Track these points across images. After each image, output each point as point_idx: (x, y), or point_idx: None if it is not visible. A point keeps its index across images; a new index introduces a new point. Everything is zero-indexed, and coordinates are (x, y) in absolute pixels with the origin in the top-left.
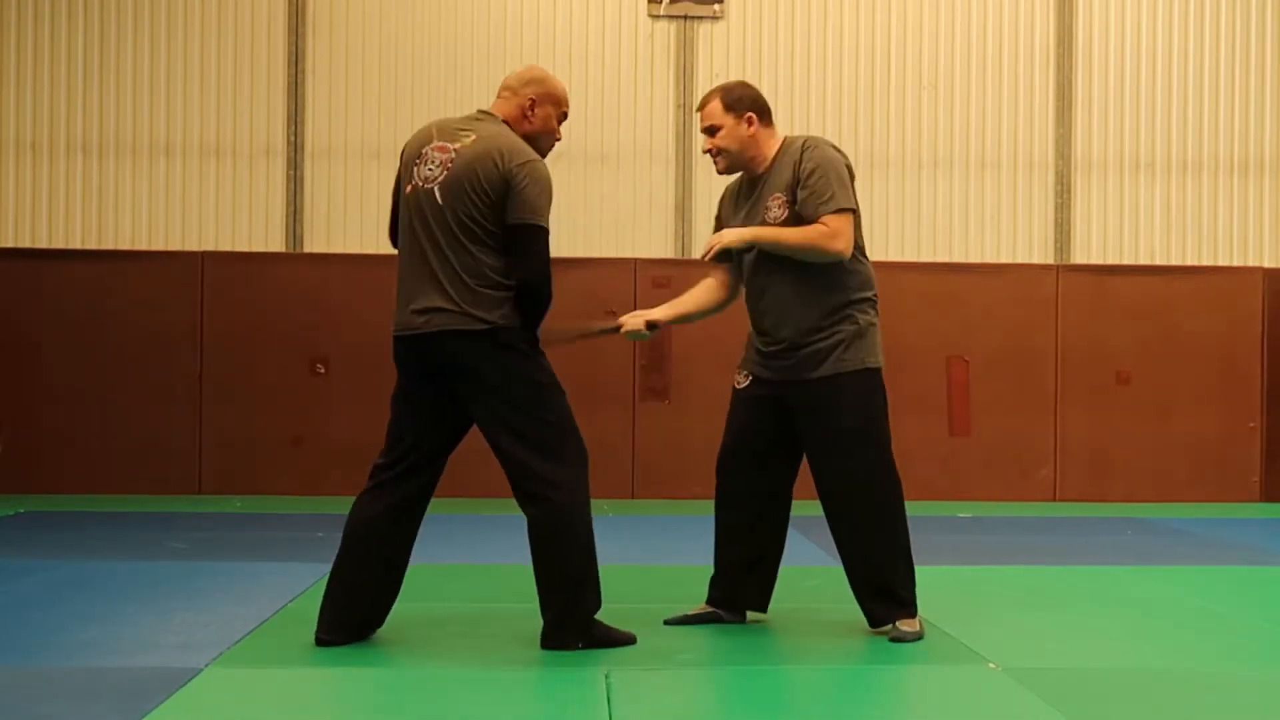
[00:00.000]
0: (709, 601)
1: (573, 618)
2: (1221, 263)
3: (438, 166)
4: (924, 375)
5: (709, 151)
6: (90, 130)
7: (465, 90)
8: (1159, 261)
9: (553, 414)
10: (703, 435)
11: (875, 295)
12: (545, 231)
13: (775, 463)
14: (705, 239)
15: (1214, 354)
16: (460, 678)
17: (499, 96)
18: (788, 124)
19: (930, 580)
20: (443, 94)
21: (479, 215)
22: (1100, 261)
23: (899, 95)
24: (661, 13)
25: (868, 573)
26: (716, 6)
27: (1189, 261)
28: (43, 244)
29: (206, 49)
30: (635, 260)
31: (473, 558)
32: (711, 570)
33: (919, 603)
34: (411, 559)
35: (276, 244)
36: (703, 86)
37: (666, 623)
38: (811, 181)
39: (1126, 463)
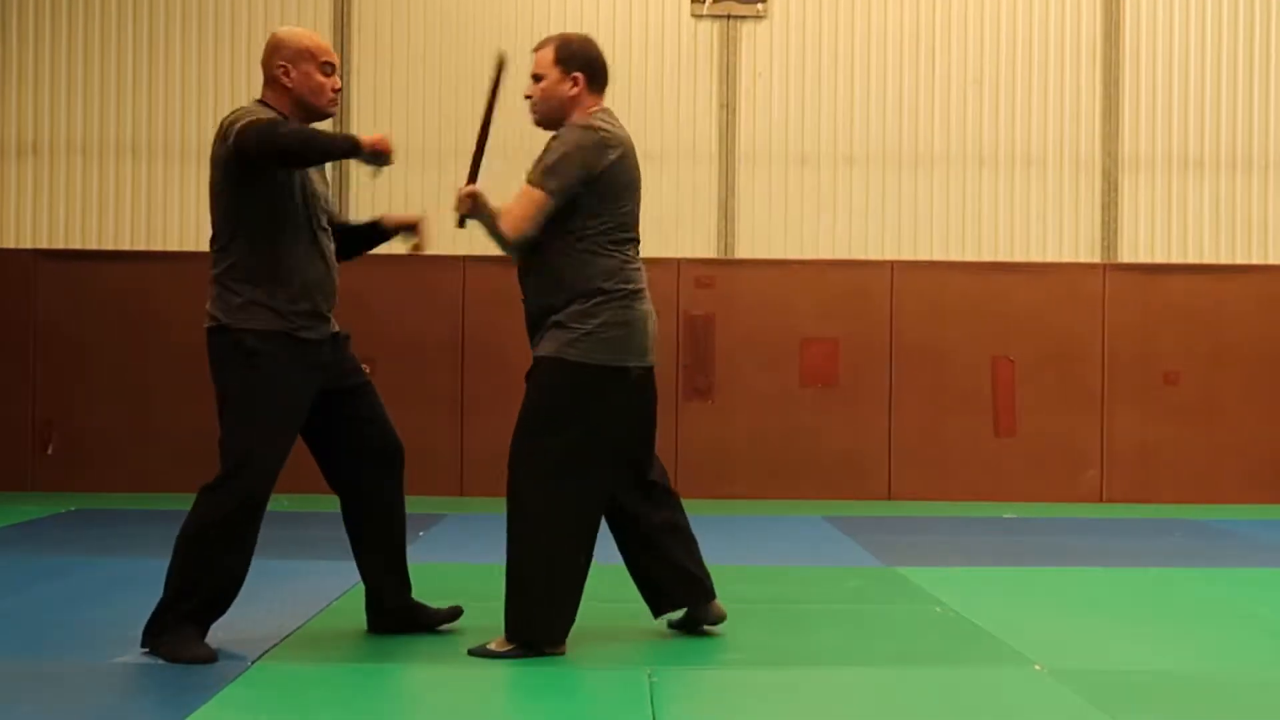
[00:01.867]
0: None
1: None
2: (1272, 261)
3: None
4: (969, 375)
5: (528, 96)
6: (139, 133)
7: (508, 90)
8: (1208, 260)
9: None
10: (746, 435)
11: (621, 288)
12: (250, 121)
13: None
14: (748, 240)
15: (1264, 354)
16: (503, 676)
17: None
18: (831, 122)
19: (975, 581)
20: (483, 97)
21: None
22: (1148, 260)
23: (943, 92)
24: (704, 12)
25: None
26: (760, 5)
27: (1238, 260)
28: (91, 245)
29: (254, 52)
30: (679, 260)
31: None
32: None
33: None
34: (446, 558)
35: None
36: (746, 86)
37: (671, 626)
38: (543, 154)
39: (1174, 464)
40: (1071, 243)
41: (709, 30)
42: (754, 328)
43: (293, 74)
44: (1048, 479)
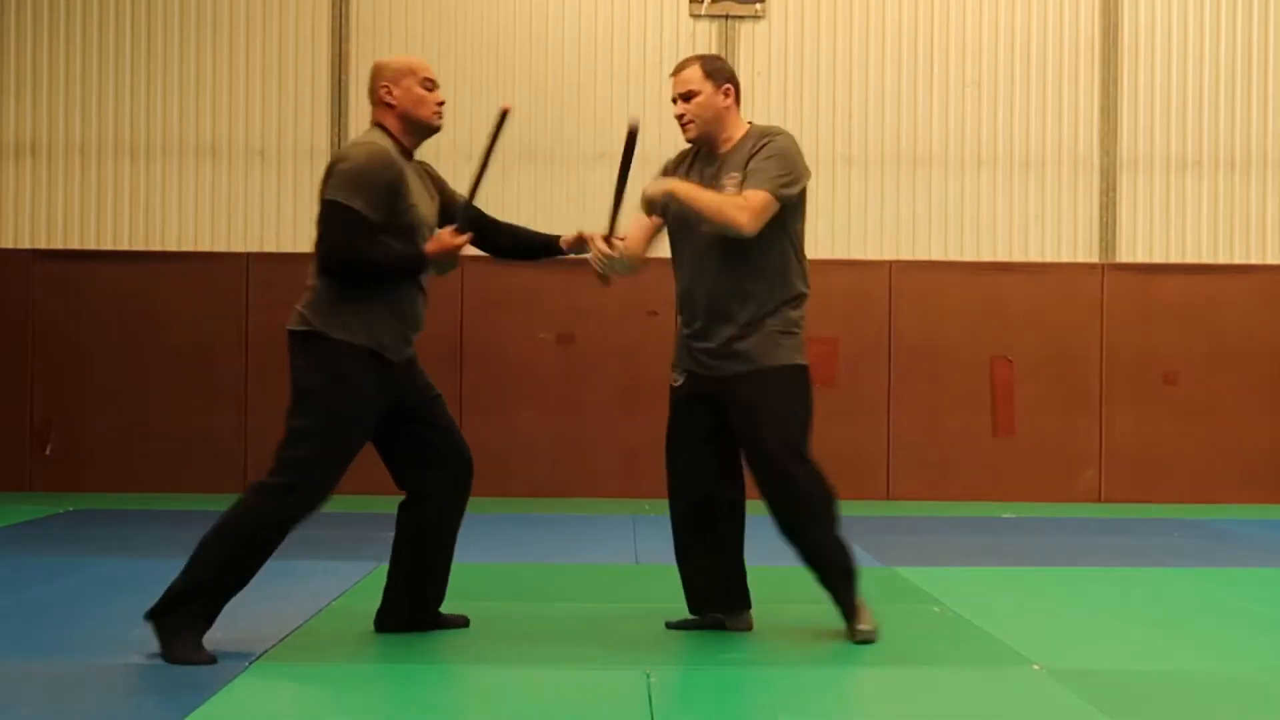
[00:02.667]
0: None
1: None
2: (1270, 261)
3: None
4: (967, 375)
5: (680, 117)
6: (137, 133)
7: (507, 92)
8: (1206, 260)
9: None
10: None
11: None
12: (337, 206)
13: (715, 459)
14: None
15: (1263, 354)
16: (500, 676)
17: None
18: (830, 122)
19: (974, 581)
20: (484, 97)
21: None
22: (1146, 260)
23: (942, 93)
24: (703, 12)
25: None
26: (758, 6)
27: (1237, 260)
28: (90, 245)
29: (252, 52)
30: None
31: (509, 557)
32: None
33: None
34: (452, 558)
35: None
36: (744, 86)
37: (669, 626)
38: (760, 158)
39: (1173, 464)
40: (1070, 243)
41: (707, 30)
42: None
43: (395, 92)
44: (1046, 479)
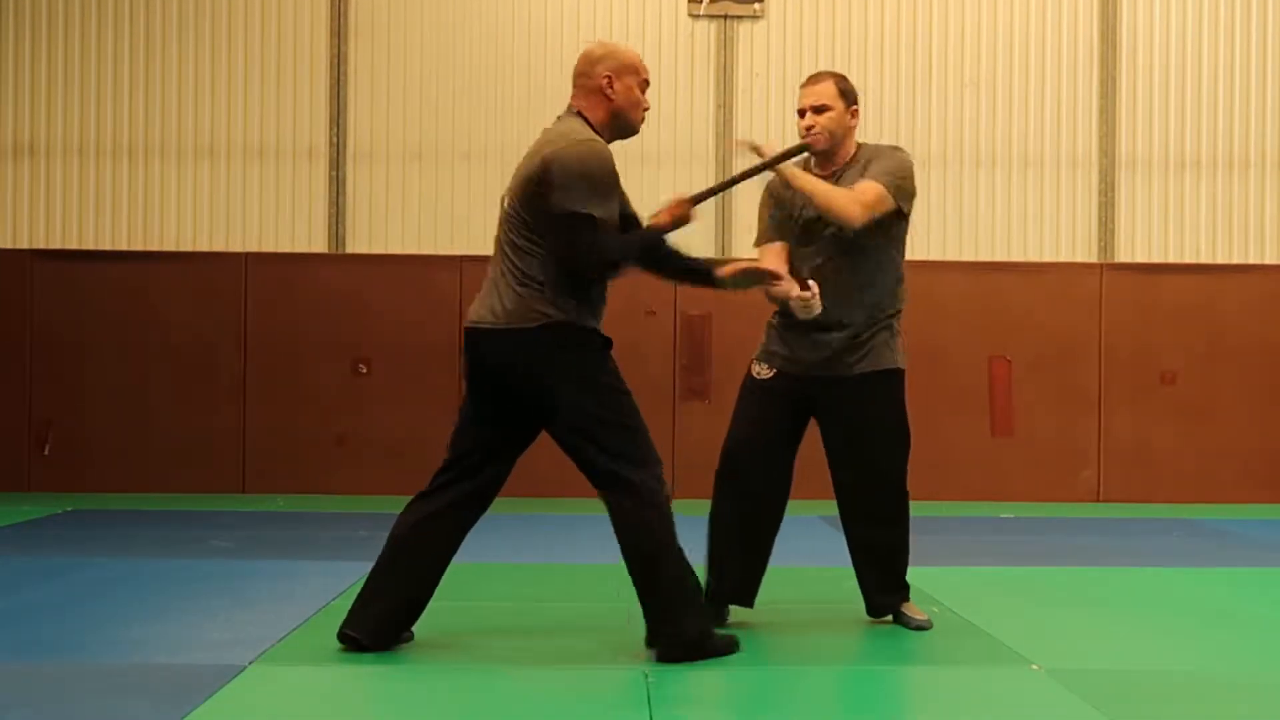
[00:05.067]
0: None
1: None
2: (1269, 261)
3: (514, 174)
4: (966, 375)
5: (810, 128)
6: (135, 133)
7: (506, 91)
8: (1204, 260)
9: (611, 411)
10: None
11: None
12: (579, 217)
13: (786, 456)
14: (745, 240)
15: (1261, 353)
16: (499, 677)
17: (575, 87)
18: None
19: (972, 581)
20: (483, 94)
21: (522, 212)
22: (1145, 260)
23: (940, 93)
24: (701, 12)
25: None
26: (757, 6)
27: (1235, 260)
28: (89, 245)
29: (250, 51)
30: None
31: (509, 557)
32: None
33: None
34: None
35: (319, 245)
36: (743, 86)
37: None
38: (878, 163)
39: (1171, 464)
40: (1068, 242)
41: (706, 30)
42: (751, 328)
43: (617, 85)
44: (1045, 479)
